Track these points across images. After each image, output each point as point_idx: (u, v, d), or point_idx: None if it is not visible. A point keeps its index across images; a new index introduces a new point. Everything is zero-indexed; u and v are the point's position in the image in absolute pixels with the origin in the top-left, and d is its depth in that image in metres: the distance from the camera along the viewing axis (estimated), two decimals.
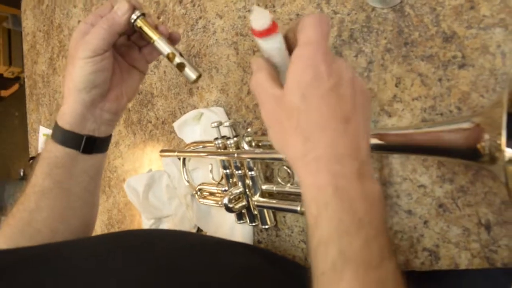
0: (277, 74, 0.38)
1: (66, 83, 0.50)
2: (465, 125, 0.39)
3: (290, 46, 0.38)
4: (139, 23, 0.49)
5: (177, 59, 0.49)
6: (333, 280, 0.31)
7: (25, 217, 0.52)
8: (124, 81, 0.54)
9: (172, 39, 0.52)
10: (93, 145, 0.52)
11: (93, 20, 0.49)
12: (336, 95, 0.34)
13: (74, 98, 0.49)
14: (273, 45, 0.36)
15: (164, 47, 0.49)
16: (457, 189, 0.47)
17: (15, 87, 3.92)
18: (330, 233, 0.32)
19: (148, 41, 0.50)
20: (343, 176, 0.33)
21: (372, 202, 0.33)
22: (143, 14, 0.49)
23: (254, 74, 0.38)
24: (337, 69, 0.34)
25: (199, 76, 0.49)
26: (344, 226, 0.32)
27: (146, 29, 0.49)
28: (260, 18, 0.35)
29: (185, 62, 0.49)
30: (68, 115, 0.50)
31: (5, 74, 3.64)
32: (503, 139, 0.34)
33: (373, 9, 0.54)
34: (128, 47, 0.54)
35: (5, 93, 4.09)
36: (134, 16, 0.48)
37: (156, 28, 0.50)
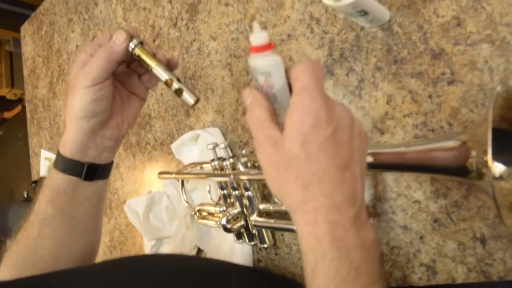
0: (274, 110, 0.38)
1: (67, 112, 0.50)
2: (453, 143, 0.39)
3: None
4: (137, 51, 0.49)
5: (175, 85, 0.50)
6: None
7: (29, 244, 0.53)
8: (124, 108, 0.54)
9: (170, 65, 0.52)
10: (94, 172, 0.53)
11: (92, 50, 0.50)
12: (335, 141, 0.34)
13: (74, 127, 0.50)
14: (270, 62, 0.37)
15: (162, 73, 0.50)
16: (451, 204, 0.47)
17: (18, 108, 3.95)
18: (327, 283, 0.33)
19: (147, 68, 0.51)
20: (341, 225, 0.33)
21: (368, 249, 0.34)
22: (140, 43, 0.50)
23: (251, 110, 0.37)
24: (335, 114, 0.34)
25: (197, 101, 0.50)
26: (341, 275, 0.33)
27: (144, 57, 0.50)
28: (258, 35, 0.36)
29: (183, 88, 0.50)
30: (69, 143, 0.50)
31: (8, 96, 3.67)
32: (489, 156, 0.35)
33: (362, 28, 0.55)
34: (127, 75, 0.54)
35: (8, 114, 4.12)
36: (132, 45, 0.49)
37: (154, 55, 0.50)
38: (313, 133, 0.33)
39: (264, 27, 0.66)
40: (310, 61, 0.35)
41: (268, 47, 0.36)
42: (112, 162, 0.56)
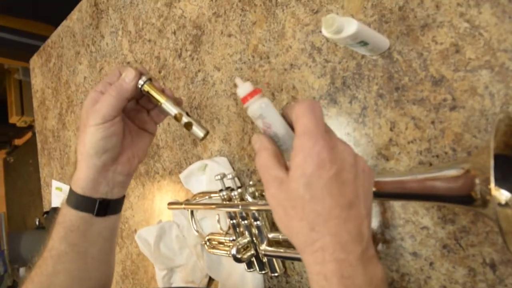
0: (280, 151, 0.40)
1: (78, 149, 0.51)
2: (456, 172, 0.40)
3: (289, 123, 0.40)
4: (146, 87, 0.50)
5: (184, 119, 0.51)
6: None
7: (44, 281, 0.53)
8: (134, 143, 0.55)
9: (176, 102, 0.53)
10: (106, 207, 0.53)
11: (103, 88, 0.51)
12: (339, 181, 0.35)
13: (86, 164, 0.50)
14: (260, 104, 0.39)
15: (171, 108, 0.51)
16: (459, 230, 0.48)
17: (28, 135, 4.01)
18: None
19: (156, 104, 0.52)
20: (348, 263, 0.34)
21: (376, 285, 0.34)
22: (149, 79, 0.51)
23: (258, 154, 0.39)
24: (339, 154, 0.35)
25: (207, 133, 0.51)
26: None
27: (153, 93, 0.51)
28: (243, 87, 0.40)
29: (192, 121, 0.50)
30: (81, 180, 0.51)
31: (18, 124, 3.72)
32: (492, 185, 0.35)
33: (363, 56, 0.56)
34: (136, 111, 0.55)
35: (19, 141, 4.18)
36: (141, 82, 0.50)
37: (162, 91, 0.51)
38: (317, 175, 0.34)
39: (266, 57, 0.67)
40: (309, 101, 0.37)
41: (254, 93, 0.40)
42: (123, 197, 0.57)
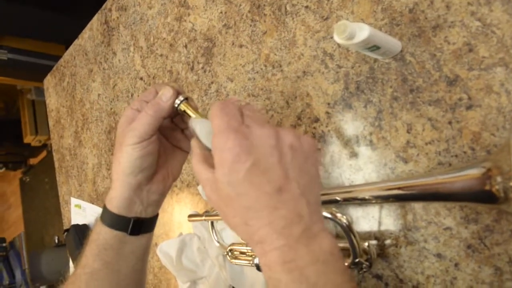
0: (207, 151, 0.42)
1: (114, 168, 0.51)
2: (477, 171, 0.40)
3: None
4: (183, 107, 0.49)
5: None
6: None
7: None
8: (168, 162, 0.54)
9: None
10: (140, 226, 0.53)
11: (139, 106, 0.50)
12: (260, 170, 0.35)
13: (121, 183, 0.50)
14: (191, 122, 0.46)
15: None
16: (483, 229, 0.47)
17: (43, 154, 4.05)
18: None
19: None
20: (288, 247, 0.34)
21: (324, 261, 0.34)
22: (186, 99, 0.50)
23: (192, 160, 0.42)
24: (254, 143, 0.36)
25: None
26: None
27: (190, 112, 0.49)
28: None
29: None
30: (115, 199, 0.51)
31: (33, 143, 3.76)
32: None
33: (375, 60, 0.56)
34: (171, 129, 0.55)
35: (34, 160, 4.23)
36: (177, 101, 0.49)
37: (198, 110, 0.51)
38: (234, 170, 0.35)
39: (279, 65, 0.68)
40: (221, 102, 0.39)
41: None
42: (157, 215, 0.56)
